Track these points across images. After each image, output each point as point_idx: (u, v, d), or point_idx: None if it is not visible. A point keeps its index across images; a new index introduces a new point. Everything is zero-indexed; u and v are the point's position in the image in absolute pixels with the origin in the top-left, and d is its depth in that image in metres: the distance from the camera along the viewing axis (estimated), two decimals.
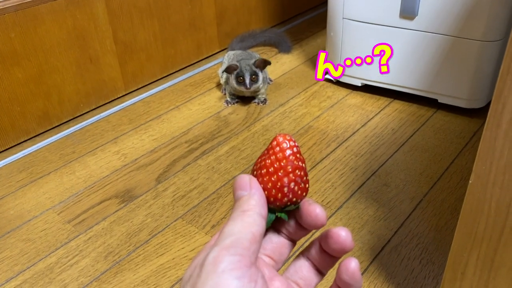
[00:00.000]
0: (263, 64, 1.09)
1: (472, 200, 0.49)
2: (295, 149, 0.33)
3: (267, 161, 0.33)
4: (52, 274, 0.73)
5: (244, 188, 0.32)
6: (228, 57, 1.20)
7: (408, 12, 1.01)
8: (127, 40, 1.17)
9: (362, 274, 0.71)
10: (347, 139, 1.01)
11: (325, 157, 0.96)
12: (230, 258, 0.28)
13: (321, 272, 0.36)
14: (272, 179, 0.32)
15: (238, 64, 1.09)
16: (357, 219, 0.81)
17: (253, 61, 1.09)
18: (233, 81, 1.10)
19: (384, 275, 0.70)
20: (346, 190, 0.87)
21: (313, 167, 0.93)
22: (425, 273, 0.70)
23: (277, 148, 0.33)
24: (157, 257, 0.75)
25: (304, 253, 0.36)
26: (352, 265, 0.33)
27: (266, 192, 0.33)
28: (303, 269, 0.36)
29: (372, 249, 0.75)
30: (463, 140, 1.00)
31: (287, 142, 0.33)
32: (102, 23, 1.11)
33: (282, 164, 0.32)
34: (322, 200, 0.85)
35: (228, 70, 1.10)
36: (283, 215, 0.34)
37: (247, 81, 1.08)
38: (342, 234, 0.33)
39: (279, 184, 0.32)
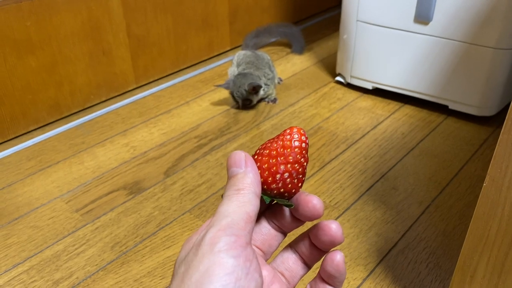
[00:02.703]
0: (254, 90, 1.09)
1: (485, 203, 0.49)
2: (303, 145, 0.33)
3: (273, 144, 0.33)
4: (59, 262, 0.73)
5: (239, 165, 0.32)
6: (238, 57, 1.20)
7: (423, 17, 1.01)
8: (140, 34, 1.18)
9: (369, 275, 0.71)
10: (356, 141, 1.01)
11: (334, 158, 0.96)
12: (226, 239, 0.28)
13: (307, 265, 0.36)
14: (270, 161, 0.32)
15: (233, 85, 1.10)
16: (364, 221, 0.80)
17: (245, 86, 1.08)
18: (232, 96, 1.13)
19: (390, 277, 0.70)
20: (354, 191, 0.87)
21: (322, 167, 0.93)
22: (432, 277, 0.70)
23: (288, 137, 0.33)
24: (164, 249, 0.75)
25: (292, 245, 0.37)
26: (337, 257, 0.34)
27: (259, 171, 0.33)
28: (290, 260, 0.36)
29: (379, 251, 0.75)
30: (472, 147, 0.99)
31: (298, 135, 0.33)
32: (117, 16, 1.11)
33: (285, 151, 0.32)
34: (330, 201, 0.85)
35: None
36: (266, 197, 0.33)
37: (241, 105, 1.12)
38: (333, 227, 0.34)
39: (274, 168, 0.32)
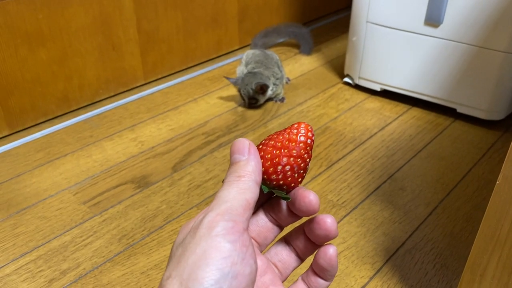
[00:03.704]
0: (261, 90, 1.09)
1: (498, 201, 0.49)
2: (309, 141, 0.33)
3: (279, 136, 0.33)
4: (66, 252, 0.73)
5: (242, 152, 0.32)
6: (247, 56, 1.20)
7: (433, 19, 1.02)
8: (150, 30, 1.18)
9: (376, 274, 0.71)
10: (364, 142, 1.01)
11: (341, 158, 0.96)
12: (224, 224, 0.28)
13: (300, 258, 0.37)
14: (274, 152, 0.33)
15: (242, 82, 1.11)
16: (372, 220, 0.80)
17: (253, 85, 1.08)
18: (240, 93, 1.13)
19: (397, 277, 0.70)
20: (362, 191, 0.87)
21: (329, 167, 0.93)
22: (439, 277, 0.70)
23: (294, 131, 0.33)
24: (170, 243, 0.75)
25: (286, 237, 0.37)
26: (330, 251, 0.34)
27: (261, 161, 0.33)
28: (283, 252, 0.37)
29: (387, 250, 0.75)
30: (480, 151, 0.99)
31: (305, 130, 0.33)
32: (127, 11, 1.12)
33: (290, 145, 0.33)
34: (338, 200, 0.85)
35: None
36: (264, 187, 0.34)
37: (247, 103, 1.12)
38: (328, 221, 0.34)
39: (276, 160, 0.33)
